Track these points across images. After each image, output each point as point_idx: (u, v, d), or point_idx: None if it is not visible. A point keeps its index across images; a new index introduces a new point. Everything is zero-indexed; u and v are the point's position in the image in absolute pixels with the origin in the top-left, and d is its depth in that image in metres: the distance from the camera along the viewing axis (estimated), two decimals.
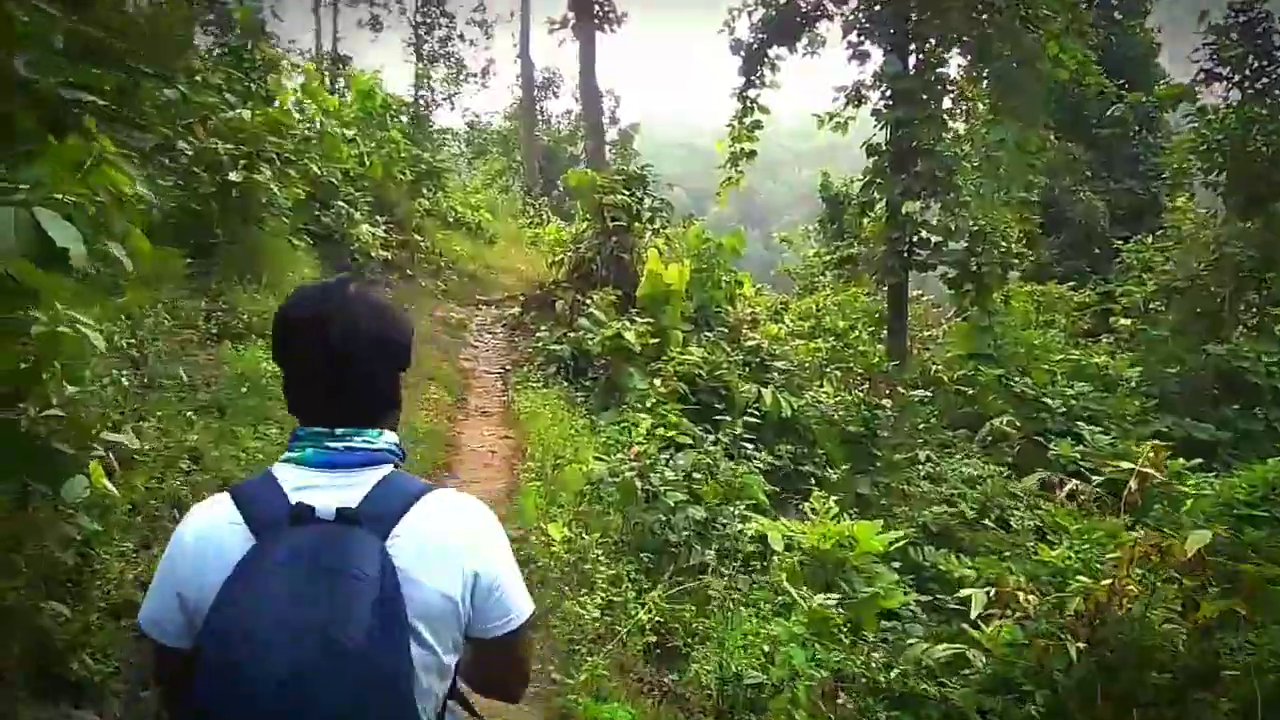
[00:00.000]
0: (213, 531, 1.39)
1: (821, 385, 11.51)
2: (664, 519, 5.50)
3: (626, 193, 12.61)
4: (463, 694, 1.57)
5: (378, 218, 13.02)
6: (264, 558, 1.32)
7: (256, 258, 7.99)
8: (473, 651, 1.50)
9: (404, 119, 17.53)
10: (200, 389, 5.89)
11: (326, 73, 17.61)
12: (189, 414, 5.24)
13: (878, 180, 14.56)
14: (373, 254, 11.08)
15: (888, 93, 14.45)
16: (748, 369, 10.39)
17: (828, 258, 23.99)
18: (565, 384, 9.18)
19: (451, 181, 18.21)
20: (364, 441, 1.44)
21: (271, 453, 5.42)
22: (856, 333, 17.23)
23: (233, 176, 7.26)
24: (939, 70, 14.58)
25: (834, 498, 6.50)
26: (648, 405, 8.25)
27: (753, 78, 15.55)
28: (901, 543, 6.34)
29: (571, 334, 9.86)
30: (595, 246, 12.37)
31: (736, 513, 5.74)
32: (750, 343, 10.47)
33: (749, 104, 15.88)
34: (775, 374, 10.47)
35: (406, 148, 14.35)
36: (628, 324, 8.69)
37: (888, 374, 13.89)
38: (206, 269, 7.53)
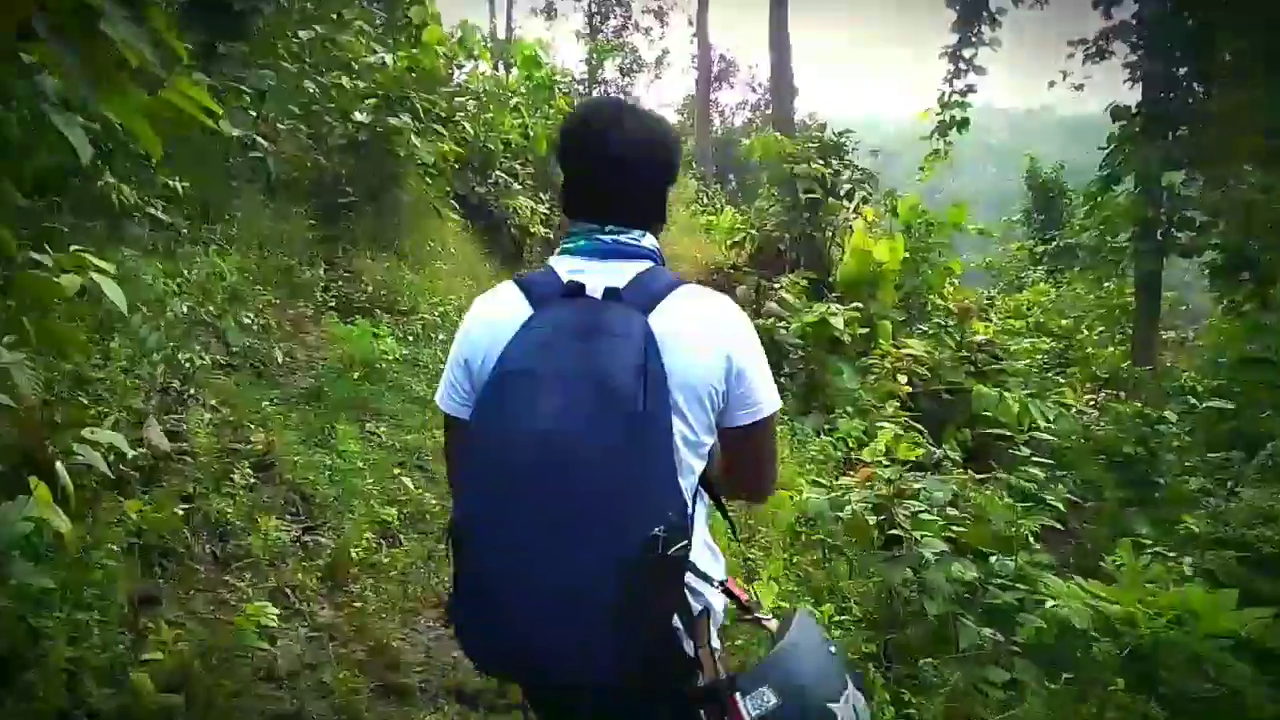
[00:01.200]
0: (497, 307, 1.49)
1: (1062, 392, 9.35)
2: (913, 575, 3.75)
3: (821, 162, 10.82)
4: (712, 485, 1.61)
5: (541, 195, 11.81)
6: (540, 322, 1.40)
7: (394, 223, 6.79)
8: (721, 446, 1.55)
9: (572, 94, 16.36)
10: (301, 371, 4.63)
11: (494, 52, 16.60)
12: (268, 404, 3.95)
13: (1125, 149, 12.08)
14: (532, 231, 9.79)
15: (1141, 42, 11.95)
16: (972, 368, 8.43)
17: (1040, 249, 21.23)
18: None
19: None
20: (630, 238, 1.52)
21: (376, 459, 4.05)
22: (1084, 333, 14.70)
23: (359, 116, 6.03)
24: (1205, 16, 11.94)
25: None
26: (862, 410, 6.50)
27: (969, 34, 13.39)
28: (1266, 618, 4.31)
29: (757, 321, 8.17)
30: (783, 224, 10.65)
31: (1019, 570, 3.92)
32: (976, 337, 8.45)
33: (962, 64, 13.72)
34: (1007, 376, 8.44)
35: None
36: (834, 308, 6.93)
37: (1136, 380, 11.47)
38: (334, 233, 6.38)
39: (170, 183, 4.54)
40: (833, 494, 4.10)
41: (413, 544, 3.50)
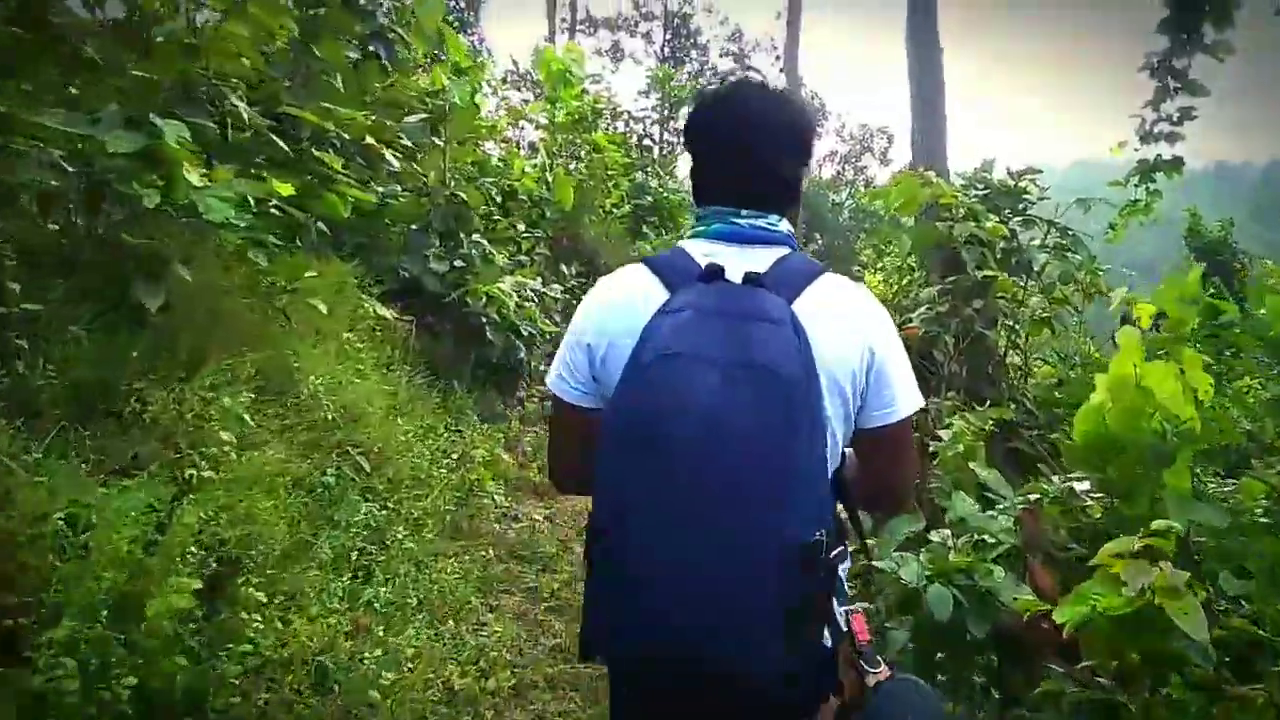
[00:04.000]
0: (626, 289, 1.44)
1: None
2: None
3: (994, 219, 6.80)
4: (847, 490, 1.50)
5: (565, 268, 8.06)
6: (681, 304, 1.32)
7: (148, 359, 3.07)
8: (856, 449, 1.48)
9: (630, 133, 12.74)
10: None
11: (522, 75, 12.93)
12: None
13: None
14: (525, 330, 5.97)
15: None
16: None
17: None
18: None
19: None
20: (767, 223, 1.47)
21: None
22: None
23: None
24: None
25: None
26: None
27: (1189, 34, 9.29)
28: None
29: (922, 542, 4.08)
30: (938, 317, 6.60)
31: None
32: None
33: (1172, 81, 9.60)
34: None
35: (618, 163, 9.36)
36: (1168, 570, 2.85)
37: None
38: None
39: None
40: None
41: None
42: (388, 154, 4.80)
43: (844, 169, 36.87)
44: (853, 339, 1.38)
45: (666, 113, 22.32)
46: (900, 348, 1.45)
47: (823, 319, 1.34)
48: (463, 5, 26.23)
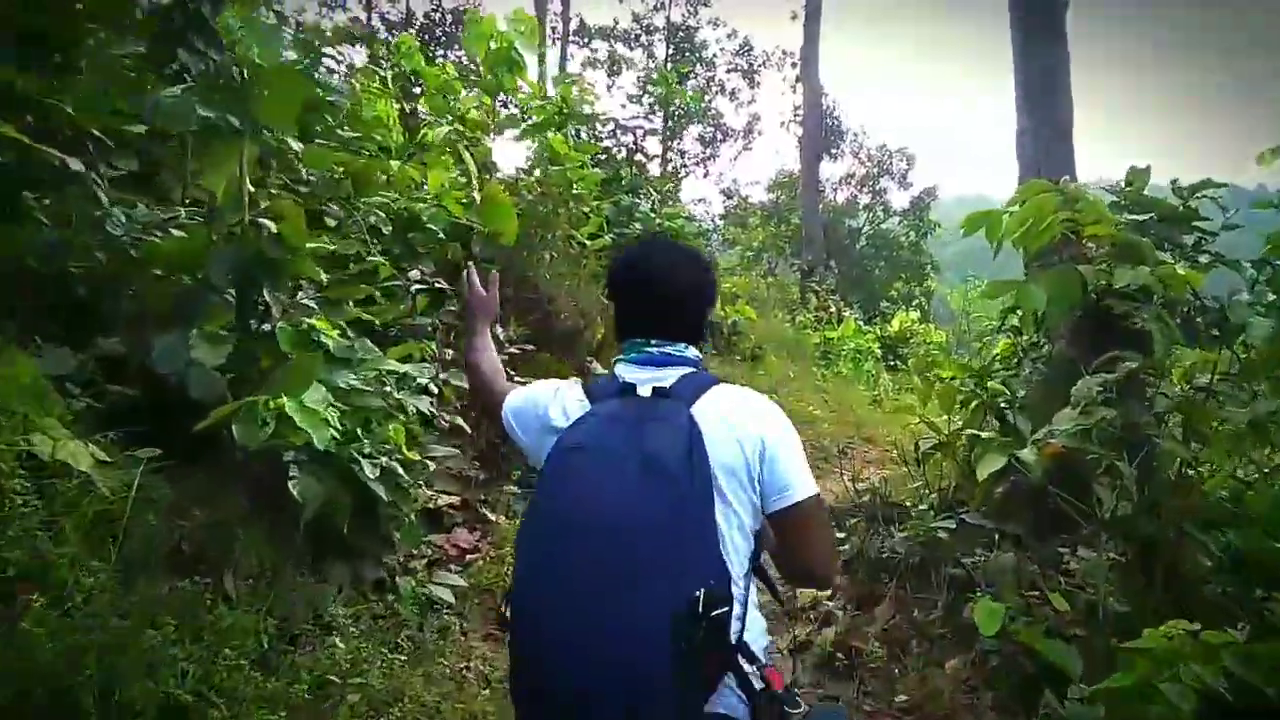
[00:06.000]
0: (568, 400, 1.74)
1: None
2: None
3: (1171, 260, 4.24)
4: (764, 571, 1.75)
5: (500, 329, 5.45)
6: (594, 412, 1.64)
7: None
8: (770, 532, 1.68)
9: (617, 148, 10.20)
10: None
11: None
12: None
13: None
14: (372, 468, 3.33)
15: None
16: None
17: None
18: None
19: None
20: (675, 349, 1.77)
21: None
22: None
23: None
24: None
25: None
26: None
27: None
28: None
29: None
30: (1097, 427, 3.97)
31: None
32: None
33: None
34: None
35: (581, 177, 6.76)
36: None
37: None
38: None
39: None
40: None
41: None
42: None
43: (860, 192, 34.26)
44: (742, 429, 1.60)
45: (671, 124, 19.76)
46: (790, 438, 1.66)
47: (716, 417, 1.59)
48: (450, 22, 24.06)
